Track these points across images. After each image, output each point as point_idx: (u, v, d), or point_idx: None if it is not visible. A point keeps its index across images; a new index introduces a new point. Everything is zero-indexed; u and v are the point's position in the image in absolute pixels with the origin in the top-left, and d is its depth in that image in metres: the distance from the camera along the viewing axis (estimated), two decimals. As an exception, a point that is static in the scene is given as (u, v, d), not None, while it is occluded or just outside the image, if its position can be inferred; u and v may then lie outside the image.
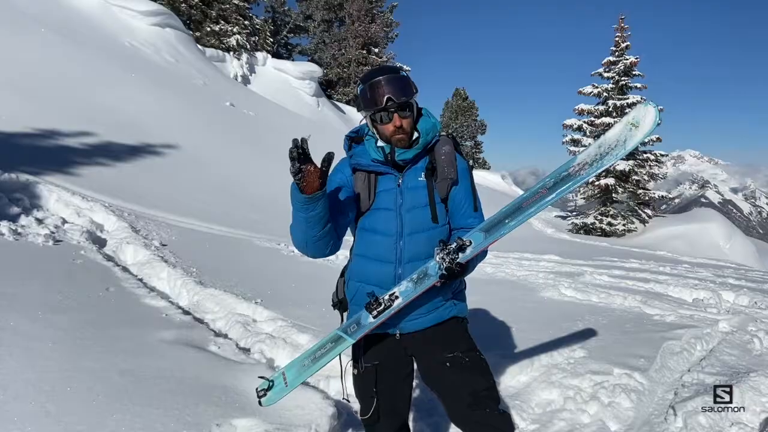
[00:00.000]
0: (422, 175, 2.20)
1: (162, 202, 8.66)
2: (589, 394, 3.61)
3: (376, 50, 36.74)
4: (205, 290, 5.12)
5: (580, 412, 3.44)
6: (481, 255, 2.16)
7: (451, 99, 43.87)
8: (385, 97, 2.05)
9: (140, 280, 5.21)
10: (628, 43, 23.64)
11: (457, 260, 2.01)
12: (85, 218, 6.30)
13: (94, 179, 8.39)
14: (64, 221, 6.02)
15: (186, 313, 4.58)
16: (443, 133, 2.27)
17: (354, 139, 2.28)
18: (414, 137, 2.17)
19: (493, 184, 32.67)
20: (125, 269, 5.37)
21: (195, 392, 2.97)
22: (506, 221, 2.01)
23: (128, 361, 3.22)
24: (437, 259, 2.04)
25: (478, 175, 33.05)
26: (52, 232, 5.41)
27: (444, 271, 2.01)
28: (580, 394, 3.61)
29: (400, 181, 2.20)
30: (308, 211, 1.98)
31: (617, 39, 23.74)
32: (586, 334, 4.78)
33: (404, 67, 39.18)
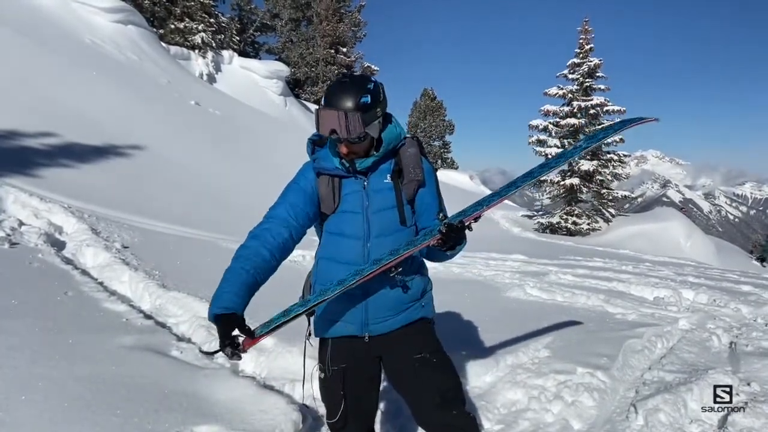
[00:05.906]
0: (388, 177, 2.20)
1: (124, 203, 8.48)
2: (553, 393, 3.65)
3: (344, 50, 36.67)
4: (168, 293, 5.02)
5: (544, 412, 3.47)
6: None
7: (419, 99, 44.05)
8: (329, 130, 2.02)
9: (100, 283, 5.08)
10: (592, 45, 24.03)
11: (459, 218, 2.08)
12: (44, 220, 6.12)
13: (55, 180, 8.18)
14: (21, 223, 5.83)
15: (148, 317, 4.48)
16: (408, 135, 2.27)
17: (317, 142, 2.26)
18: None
19: (462, 184, 32.84)
20: (85, 272, 5.23)
21: (155, 399, 2.91)
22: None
23: (86, 368, 3.13)
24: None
25: (447, 176, 33.25)
26: (8, 235, 5.24)
27: (443, 228, 2.03)
28: (545, 394, 3.64)
29: (366, 183, 2.19)
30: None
31: (581, 41, 24.10)
32: (551, 333, 4.83)
33: (372, 67, 39.11)
